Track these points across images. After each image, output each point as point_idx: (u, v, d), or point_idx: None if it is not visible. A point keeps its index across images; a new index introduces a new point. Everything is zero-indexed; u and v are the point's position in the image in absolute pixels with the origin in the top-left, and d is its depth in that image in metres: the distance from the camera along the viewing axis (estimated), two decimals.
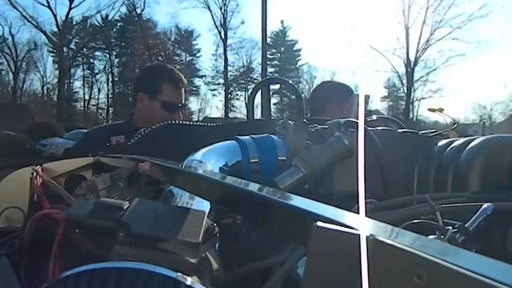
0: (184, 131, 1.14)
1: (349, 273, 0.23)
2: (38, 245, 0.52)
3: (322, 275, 0.25)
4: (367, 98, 1.52)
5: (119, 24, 28.53)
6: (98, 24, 27.10)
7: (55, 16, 24.17)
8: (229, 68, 28.70)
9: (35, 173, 0.69)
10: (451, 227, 0.43)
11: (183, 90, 1.74)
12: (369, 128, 0.75)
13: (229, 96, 27.95)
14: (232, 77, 29.00)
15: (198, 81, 30.55)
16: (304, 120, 0.80)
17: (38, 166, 0.74)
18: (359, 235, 0.23)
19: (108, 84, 29.02)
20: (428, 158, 0.74)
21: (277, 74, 28.98)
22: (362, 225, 0.26)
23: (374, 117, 1.23)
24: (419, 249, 0.21)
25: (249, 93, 2.17)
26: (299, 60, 31.04)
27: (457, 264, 0.19)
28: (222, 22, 27.53)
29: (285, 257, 0.45)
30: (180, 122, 1.27)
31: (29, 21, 24.13)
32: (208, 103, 31.10)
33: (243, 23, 28.23)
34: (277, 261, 0.47)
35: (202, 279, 0.37)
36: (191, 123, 1.24)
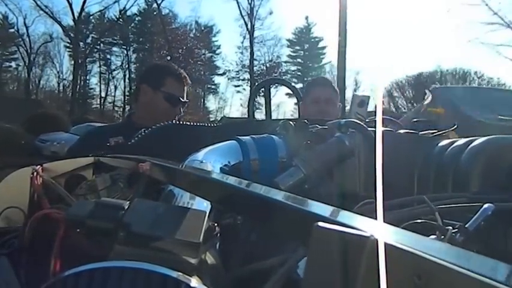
0: (185, 131, 1.14)
1: (349, 273, 0.23)
2: (38, 245, 0.52)
3: (323, 275, 0.25)
4: (367, 98, 1.52)
5: (137, 18, 27.18)
6: (115, 18, 25.81)
7: (70, 5, 22.90)
8: (255, 63, 25.93)
9: (35, 173, 0.69)
10: (451, 228, 0.43)
11: (185, 87, 1.76)
12: (369, 129, 0.75)
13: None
14: (258, 72, 26.01)
15: (217, 79, 28.50)
16: (305, 120, 0.80)
17: (38, 166, 0.74)
18: (359, 235, 0.23)
19: (124, 81, 27.36)
20: (429, 158, 0.74)
21: (299, 73, 26.95)
22: (362, 225, 0.26)
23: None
24: (420, 249, 0.21)
25: (262, 93, 2.18)
26: (323, 58, 28.38)
27: (457, 264, 0.19)
28: (249, 12, 24.73)
29: (286, 257, 0.45)
30: (182, 122, 1.27)
31: (43, 10, 22.78)
32: (227, 102, 28.72)
33: (271, 13, 25.40)
34: (277, 262, 0.47)
35: (203, 279, 0.37)
36: (191, 123, 1.24)
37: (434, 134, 0.85)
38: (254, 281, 0.50)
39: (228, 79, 27.68)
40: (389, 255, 0.22)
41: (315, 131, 0.78)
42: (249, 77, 25.71)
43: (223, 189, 0.47)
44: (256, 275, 0.50)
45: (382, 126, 0.98)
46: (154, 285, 0.32)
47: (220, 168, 0.71)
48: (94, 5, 24.88)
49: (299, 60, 28.04)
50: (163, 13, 25.17)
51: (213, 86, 28.73)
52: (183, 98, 1.74)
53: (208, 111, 28.61)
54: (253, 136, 0.78)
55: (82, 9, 23.49)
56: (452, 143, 0.72)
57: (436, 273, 0.20)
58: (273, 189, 0.44)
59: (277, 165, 0.75)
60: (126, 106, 26.79)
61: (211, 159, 0.71)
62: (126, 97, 27.27)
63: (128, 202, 0.42)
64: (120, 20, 25.90)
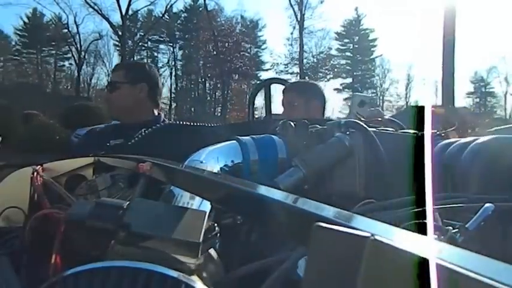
0: (185, 131, 1.14)
1: (349, 273, 0.23)
2: (38, 245, 0.52)
3: (322, 275, 0.25)
4: (367, 99, 1.52)
5: (183, 15, 26.59)
6: (161, 15, 25.29)
7: (118, 1, 22.43)
8: (305, 55, 24.10)
9: (35, 173, 0.69)
10: (451, 227, 0.43)
11: (117, 71, 1.75)
12: (369, 129, 0.75)
13: None
14: (308, 65, 24.36)
15: (263, 75, 26.40)
16: (305, 120, 0.80)
17: (38, 166, 0.74)
18: (359, 235, 0.23)
19: (171, 79, 26.46)
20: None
21: (349, 67, 25.69)
22: (362, 225, 0.26)
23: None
24: (419, 249, 0.21)
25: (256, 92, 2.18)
26: (374, 51, 26.68)
27: (457, 264, 0.19)
28: (299, 0, 23.12)
29: (285, 257, 0.45)
30: (182, 122, 1.28)
31: (92, 7, 22.48)
32: (273, 98, 28.20)
33: (322, 2, 23.65)
34: (277, 261, 0.47)
35: (203, 278, 0.37)
36: (191, 123, 1.24)
37: (435, 134, 0.85)
38: (254, 281, 0.50)
39: (276, 73, 25.61)
40: (389, 255, 0.22)
41: (315, 131, 0.78)
42: (298, 71, 23.79)
43: (223, 189, 0.47)
44: (255, 274, 0.50)
45: (383, 126, 0.98)
46: (154, 285, 0.32)
47: (220, 168, 0.71)
48: (140, 0, 24.47)
49: (348, 53, 26.49)
50: (208, 8, 24.17)
51: (258, 82, 28.00)
52: (110, 81, 1.74)
53: (254, 107, 28.08)
54: (253, 136, 0.78)
55: (129, 5, 23.02)
56: (452, 143, 0.72)
57: (436, 273, 0.20)
58: (272, 189, 0.44)
59: (277, 166, 0.75)
60: (173, 103, 26.23)
61: (211, 160, 0.71)
62: (173, 94, 26.62)
63: (128, 202, 0.42)
64: (166, 16, 25.43)
